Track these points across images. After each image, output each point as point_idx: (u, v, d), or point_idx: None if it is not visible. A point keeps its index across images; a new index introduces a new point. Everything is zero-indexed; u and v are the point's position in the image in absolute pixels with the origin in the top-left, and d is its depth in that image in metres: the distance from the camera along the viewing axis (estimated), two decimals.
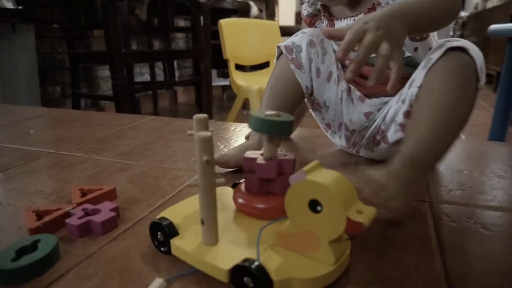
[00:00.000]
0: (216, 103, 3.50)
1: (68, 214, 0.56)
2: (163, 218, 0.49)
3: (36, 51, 1.94)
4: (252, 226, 0.49)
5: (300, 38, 0.75)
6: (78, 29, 2.31)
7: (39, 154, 0.93)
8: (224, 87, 3.87)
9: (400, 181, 0.51)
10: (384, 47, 0.49)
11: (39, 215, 0.57)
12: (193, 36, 2.74)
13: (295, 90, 0.77)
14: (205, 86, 2.72)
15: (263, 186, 0.52)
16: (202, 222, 0.45)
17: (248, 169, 0.52)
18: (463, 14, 6.64)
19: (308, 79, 0.76)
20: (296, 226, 0.43)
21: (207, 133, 0.41)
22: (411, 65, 0.69)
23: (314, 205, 0.40)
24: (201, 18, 2.58)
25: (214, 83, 3.20)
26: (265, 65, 2.48)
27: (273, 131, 0.50)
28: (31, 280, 0.45)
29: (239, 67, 2.29)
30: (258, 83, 2.02)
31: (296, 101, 0.80)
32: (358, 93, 0.76)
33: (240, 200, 0.52)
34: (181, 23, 3.36)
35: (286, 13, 4.86)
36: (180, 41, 3.50)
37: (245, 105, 2.08)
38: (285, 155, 0.53)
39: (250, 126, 0.51)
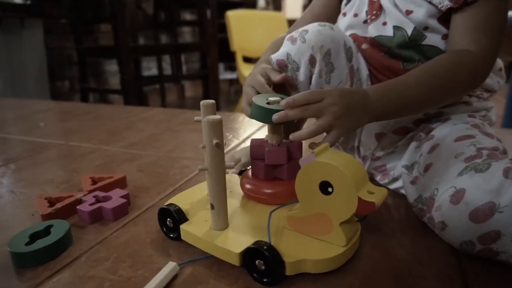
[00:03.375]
0: (224, 96, 3.49)
1: (79, 201, 0.57)
2: (171, 204, 0.49)
3: (45, 46, 1.95)
4: (260, 211, 0.49)
5: (297, 51, 0.56)
6: (85, 24, 2.32)
7: (49, 145, 0.94)
8: (231, 81, 3.87)
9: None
10: (331, 134, 0.46)
11: (51, 202, 0.58)
12: (200, 29, 2.73)
13: None
14: (212, 80, 2.72)
15: (270, 172, 0.52)
16: (212, 207, 0.45)
17: (256, 156, 0.52)
18: None
19: None
20: (306, 208, 0.43)
21: (216, 117, 0.41)
22: (426, 55, 0.56)
23: (325, 187, 0.40)
24: (208, 11, 2.57)
25: (221, 77, 3.20)
26: None
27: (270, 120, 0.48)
28: (45, 264, 0.45)
29: (247, 59, 2.28)
30: None
31: None
32: None
33: (248, 186, 0.52)
34: (188, 16, 3.35)
35: (293, 5, 4.82)
36: (186, 35, 3.49)
37: None
38: (290, 140, 0.52)
39: (251, 115, 0.50)
